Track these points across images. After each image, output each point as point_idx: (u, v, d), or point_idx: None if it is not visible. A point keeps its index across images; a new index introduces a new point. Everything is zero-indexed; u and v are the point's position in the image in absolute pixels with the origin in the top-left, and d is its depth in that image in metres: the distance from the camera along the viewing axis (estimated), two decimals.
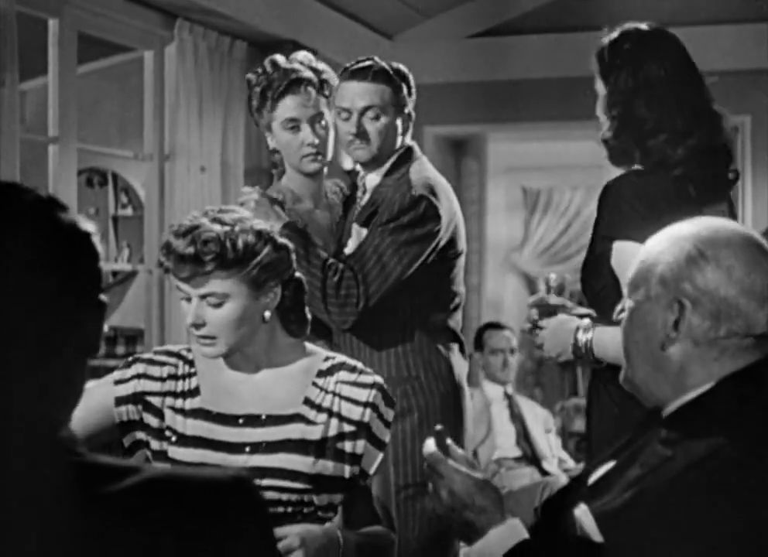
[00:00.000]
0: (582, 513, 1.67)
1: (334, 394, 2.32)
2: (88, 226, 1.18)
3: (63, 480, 1.09)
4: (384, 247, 3.09)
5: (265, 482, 2.24)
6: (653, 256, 1.78)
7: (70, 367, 1.17)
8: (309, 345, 2.43)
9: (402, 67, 3.29)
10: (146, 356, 2.39)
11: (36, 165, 4.83)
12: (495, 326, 6.32)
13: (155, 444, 2.33)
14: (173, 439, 2.30)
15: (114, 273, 7.62)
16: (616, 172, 2.66)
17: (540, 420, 6.06)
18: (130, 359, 2.40)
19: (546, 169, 10.24)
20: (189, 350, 2.40)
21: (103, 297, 1.18)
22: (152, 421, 2.33)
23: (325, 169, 3.36)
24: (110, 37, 5.09)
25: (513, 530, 1.70)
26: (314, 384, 2.33)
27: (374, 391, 2.32)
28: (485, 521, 1.70)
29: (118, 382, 2.36)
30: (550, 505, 1.85)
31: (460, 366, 3.27)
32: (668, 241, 1.77)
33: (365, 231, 3.18)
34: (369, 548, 2.30)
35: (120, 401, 2.35)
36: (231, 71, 5.47)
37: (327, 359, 2.38)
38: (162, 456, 2.32)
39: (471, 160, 7.56)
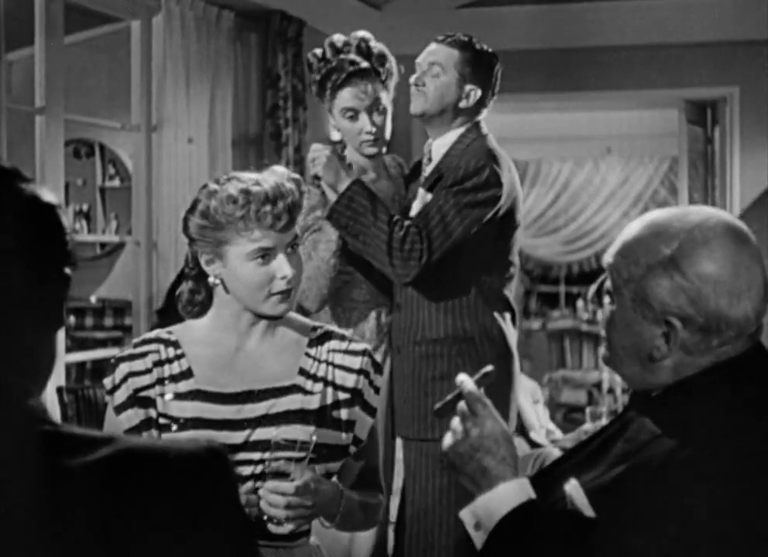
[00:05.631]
0: (573, 488, 1.67)
1: (328, 362, 2.32)
2: (52, 198, 1.16)
3: (32, 450, 1.08)
4: (447, 208, 3.27)
5: (268, 454, 2.21)
6: (630, 258, 1.70)
7: (35, 339, 1.16)
8: (291, 313, 2.39)
9: (489, 51, 3.46)
10: (126, 352, 2.31)
11: (23, 136, 4.80)
12: None
13: (154, 433, 2.26)
14: (174, 427, 2.24)
15: (102, 245, 7.60)
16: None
17: (527, 391, 6.08)
18: (112, 361, 2.31)
19: (534, 140, 10.24)
20: (169, 332, 2.33)
21: (68, 270, 1.17)
22: (152, 414, 2.27)
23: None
24: (97, 7, 5.06)
25: (522, 488, 1.69)
26: (307, 354, 2.32)
27: (365, 359, 2.33)
28: (501, 471, 1.69)
29: (110, 391, 2.28)
30: (540, 478, 1.84)
31: (511, 333, 3.43)
32: (645, 245, 1.69)
33: (429, 196, 3.37)
34: (359, 502, 2.32)
35: (119, 409, 2.27)
36: (218, 41, 5.44)
37: (314, 329, 2.37)
38: None
39: None
